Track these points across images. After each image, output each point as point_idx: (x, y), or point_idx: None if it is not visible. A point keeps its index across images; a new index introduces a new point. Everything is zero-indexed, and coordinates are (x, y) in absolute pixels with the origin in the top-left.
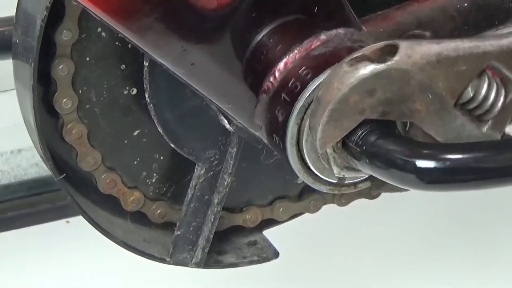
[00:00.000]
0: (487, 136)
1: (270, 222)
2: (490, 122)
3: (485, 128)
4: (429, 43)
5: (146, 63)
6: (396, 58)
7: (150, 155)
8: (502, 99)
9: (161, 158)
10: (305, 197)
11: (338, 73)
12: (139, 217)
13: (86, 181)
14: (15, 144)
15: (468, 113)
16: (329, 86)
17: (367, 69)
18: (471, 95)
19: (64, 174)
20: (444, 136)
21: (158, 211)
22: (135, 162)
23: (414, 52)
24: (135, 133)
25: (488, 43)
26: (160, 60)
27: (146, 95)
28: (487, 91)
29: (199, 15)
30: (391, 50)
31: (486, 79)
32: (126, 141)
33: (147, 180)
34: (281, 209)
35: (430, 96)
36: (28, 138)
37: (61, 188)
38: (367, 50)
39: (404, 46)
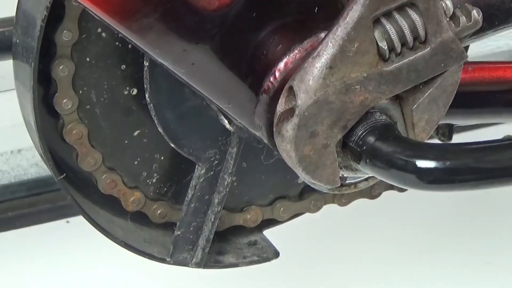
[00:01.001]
0: None
1: (270, 222)
2: None
3: None
4: None
5: (146, 63)
6: None
7: (151, 155)
8: None
9: (162, 158)
10: (305, 197)
11: None
12: (140, 217)
13: (86, 182)
14: (15, 144)
15: None
16: None
17: None
18: None
19: (64, 174)
20: None
21: (159, 211)
22: (136, 162)
23: None
24: (136, 133)
25: None
26: (160, 60)
27: (147, 95)
28: None
29: (200, 15)
30: None
31: None
32: (126, 141)
33: (148, 180)
34: (282, 209)
35: None
36: (28, 138)
37: (61, 189)
38: None
39: None
